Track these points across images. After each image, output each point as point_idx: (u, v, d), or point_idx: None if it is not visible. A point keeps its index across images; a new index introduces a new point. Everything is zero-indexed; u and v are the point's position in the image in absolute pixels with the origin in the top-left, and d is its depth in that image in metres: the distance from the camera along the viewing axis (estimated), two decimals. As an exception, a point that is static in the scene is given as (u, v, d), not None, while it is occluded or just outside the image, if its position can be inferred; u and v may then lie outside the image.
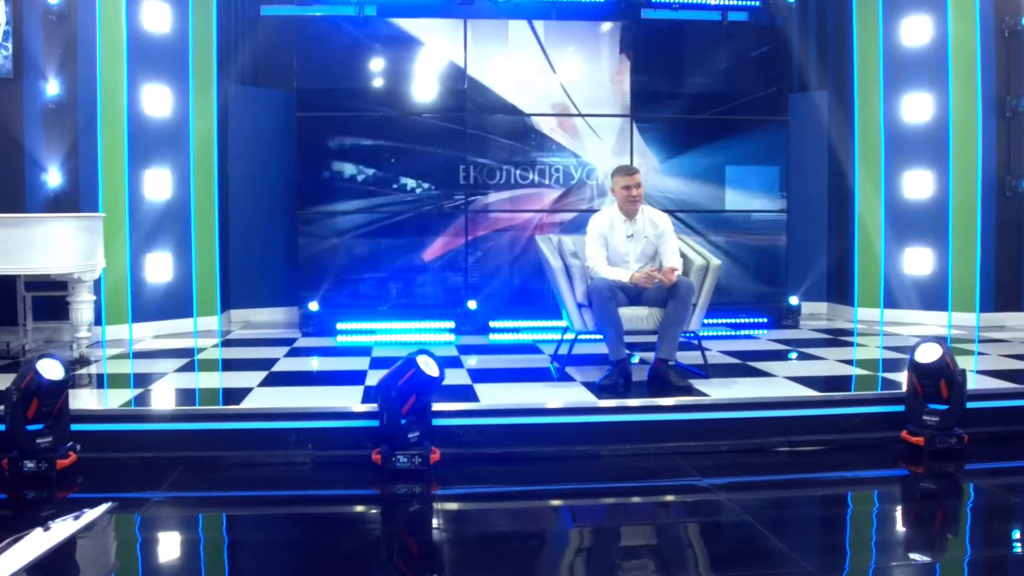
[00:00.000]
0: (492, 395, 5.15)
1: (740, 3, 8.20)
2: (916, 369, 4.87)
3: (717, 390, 5.22)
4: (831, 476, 4.64)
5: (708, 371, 5.60)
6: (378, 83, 7.91)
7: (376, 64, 7.89)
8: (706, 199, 8.21)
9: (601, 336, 5.42)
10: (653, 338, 5.50)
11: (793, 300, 8.17)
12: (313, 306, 7.67)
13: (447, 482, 4.47)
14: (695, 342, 5.90)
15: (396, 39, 7.91)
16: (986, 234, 7.84)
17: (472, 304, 7.79)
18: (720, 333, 7.78)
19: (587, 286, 5.39)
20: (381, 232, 7.93)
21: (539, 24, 8.02)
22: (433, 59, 7.94)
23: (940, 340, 4.92)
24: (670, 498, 4.37)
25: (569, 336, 5.93)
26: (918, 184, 8.10)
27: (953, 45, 7.83)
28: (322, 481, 4.51)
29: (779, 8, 8.22)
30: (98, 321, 7.08)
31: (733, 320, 8.09)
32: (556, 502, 4.38)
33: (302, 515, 4.16)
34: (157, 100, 7.42)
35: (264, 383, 5.54)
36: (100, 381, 5.75)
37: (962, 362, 5.98)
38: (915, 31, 8.03)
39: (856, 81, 8.39)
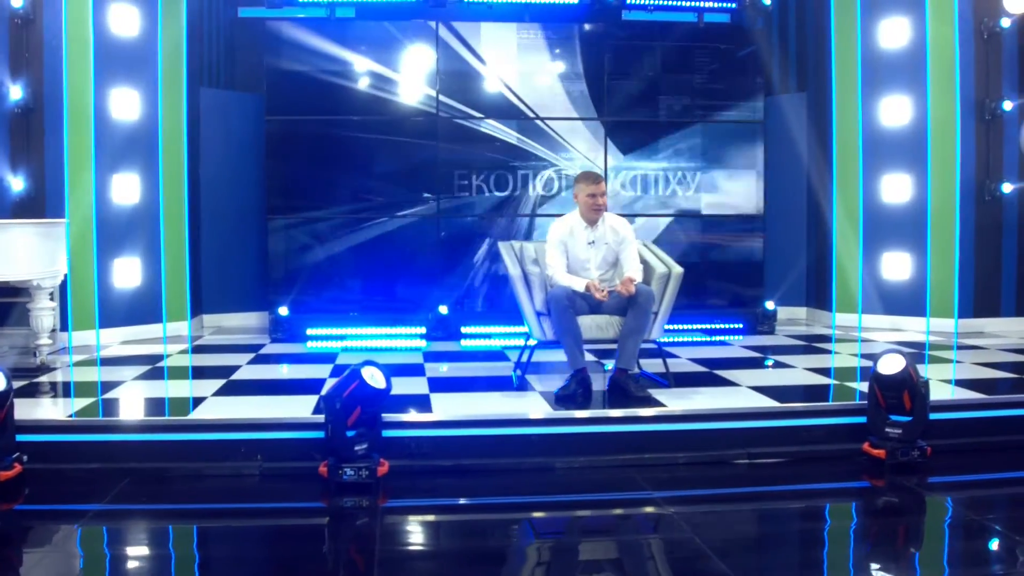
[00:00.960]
0: (448, 405, 5.07)
1: (717, 5, 8.09)
2: (878, 380, 4.79)
3: (677, 400, 5.13)
4: (788, 489, 4.56)
5: (670, 380, 5.51)
6: (349, 87, 7.81)
7: (347, 68, 7.80)
8: (681, 203, 8.13)
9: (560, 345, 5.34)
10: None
11: (769, 305, 8.08)
12: (283, 311, 7.60)
13: (397, 494, 4.40)
14: (657, 348, 5.79)
15: (367, 42, 7.82)
16: (965, 239, 7.74)
17: (443, 309, 7.71)
18: (694, 339, 7.69)
19: (546, 294, 5.30)
20: (352, 237, 7.85)
21: (512, 26, 7.94)
22: (405, 63, 7.86)
23: (903, 351, 4.83)
24: (618, 512, 4.30)
25: (532, 343, 5.85)
26: (896, 188, 8.00)
27: (932, 47, 7.73)
28: (270, 494, 4.44)
29: (756, 10, 8.11)
30: (65, 327, 7.05)
31: (708, 326, 8.00)
32: (507, 515, 4.30)
33: (245, 528, 4.11)
34: (125, 104, 7.35)
35: (220, 392, 5.47)
36: (59, 389, 5.67)
37: (938, 371, 5.98)
38: (894, 33, 7.93)
39: (834, 83, 8.29)
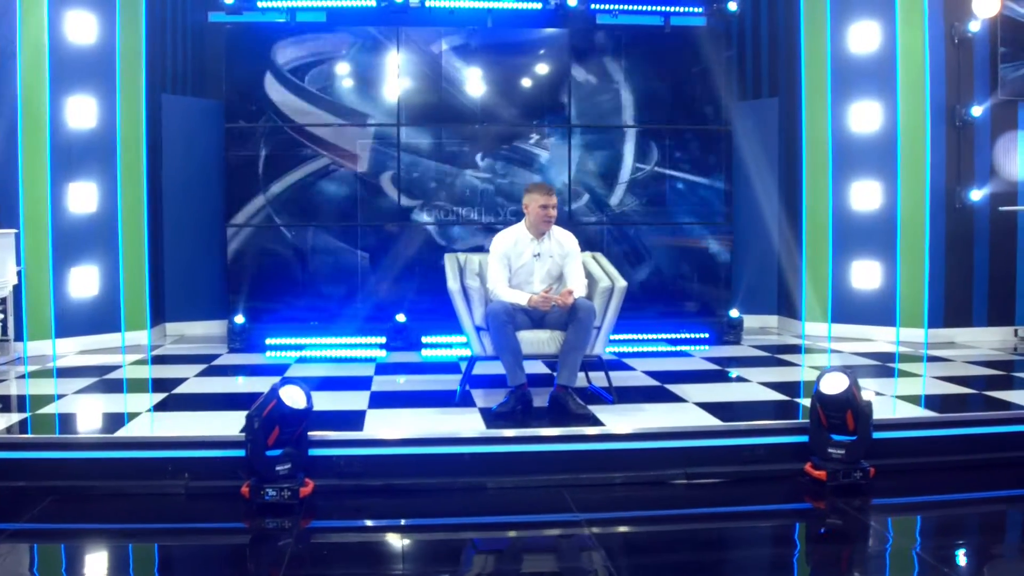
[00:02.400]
0: (382, 422, 4.98)
1: (684, 10, 7.96)
2: (821, 400, 4.67)
3: (619, 417, 5.02)
4: (723, 511, 4.43)
5: (614, 396, 5.41)
6: (308, 92, 7.73)
7: (305, 73, 7.72)
8: (647, 210, 8.02)
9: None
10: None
11: (733, 313, 7.95)
12: (239, 319, 7.51)
13: (324, 515, 4.32)
14: (600, 363, 5.69)
15: (326, 48, 7.75)
16: (935, 247, 7.61)
17: (401, 317, 7.62)
18: (658, 349, 7.57)
19: (485, 308, 5.20)
20: (313, 245, 7.78)
21: (474, 32, 7.83)
22: (366, 68, 7.79)
23: (846, 370, 4.71)
24: (537, 534, 4.20)
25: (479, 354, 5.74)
26: (866, 195, 7.88)
27: (901, 52, 7.61)
28: (193, 513, 4.35)
29: (724, 15, 7.98)
30: (20, 337, 6.99)
31: (674, 335, 7.88)
32: (428, 537, 4.19)
33: (164, 549, 4.03)
34: (82, 111, 7.28)
35: (159, 406, 5.39)
36: (-2, 402, 5.61)
37: (894, 385, 5.88)
38: (863, 37, 7.80)
39: (804, 88, 8.16)
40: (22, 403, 5.56)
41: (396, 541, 4.16)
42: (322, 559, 3.94)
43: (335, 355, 7.33)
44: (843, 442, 4.60)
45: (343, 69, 7.77)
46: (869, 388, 5.87)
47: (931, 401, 5.57)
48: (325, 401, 5.47)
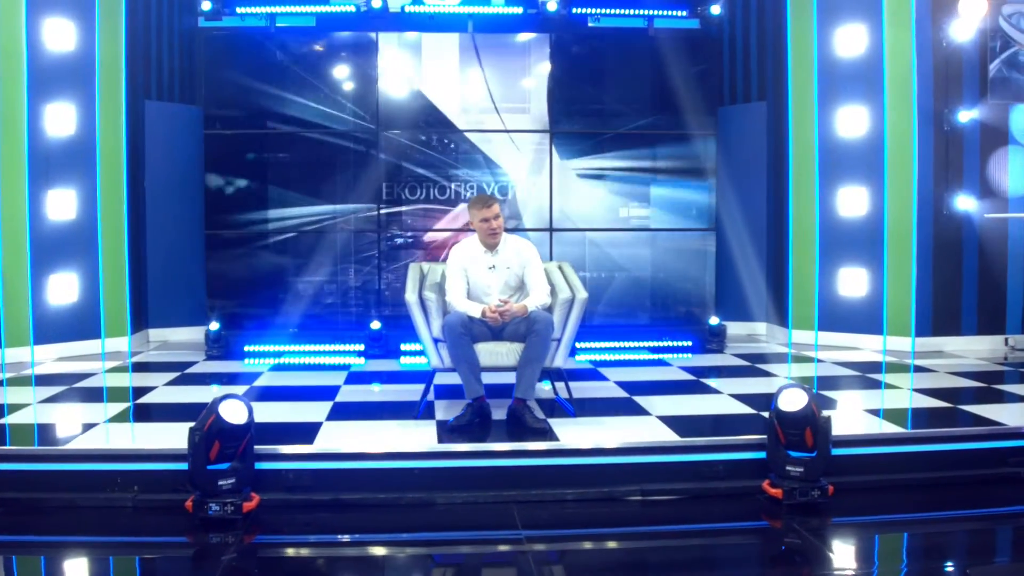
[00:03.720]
0: (337, 434, 4.93)
1: (667, 13, 7.86)
2: (779, 416, 4.57)
3: (575, 431, 4.94)
4: (676, 529, 4.35)
5: (575, 408, 5.33)
6: (287, 99, 7.71)
7: (285, 79, 7.70)
8: (632, 215, 7.92)
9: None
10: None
11: (713, 321, 7.83)
12: (213, 326, 7.50)
13: (270, 529, 4.27)
14: (560, 375, 5.61)
15: (306, 54, 7.74)
16: (922, 254, 7.46)
17: (375, 325, 7.57)
18: (639, 357, 7.46)
19: (441, 321, 5.14)
20: (291, 252, 7.76)
21: (454, 36, 7.78)
22: (344, 74, 7.76)
23: (804, 386, 4.60)
24: (476, 551, 4.13)
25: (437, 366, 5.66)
26: (853, 201, 7.73)
27: (889, 55, 7.46)
28: (139, 528, 4.32)
29: (708, 18, 7.87)
30: (-4, 344, 7.01)
31: (656, 343, 7.78)
32: (368, 553, 4.15)
33: (101, 563, 3.99)
34: (61, 119, 7.28)
35: (116, 418, 5.36)
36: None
37: (878, 398, 5.75)
38: (850, 40, 7.65)
39: (790, 93, 8.02)
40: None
41: (337, 557, 4.11)
42: (264, 574, 3.90)
43: (311, 362, 7.29)
44: (802, 459, 4.50)
45: (322, 74, 7.74)
46: (846, 400, 5.78)
47: (904, 415, 5.46)
48: (284, 412, 5.46)
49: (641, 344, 7.76)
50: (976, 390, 6.09)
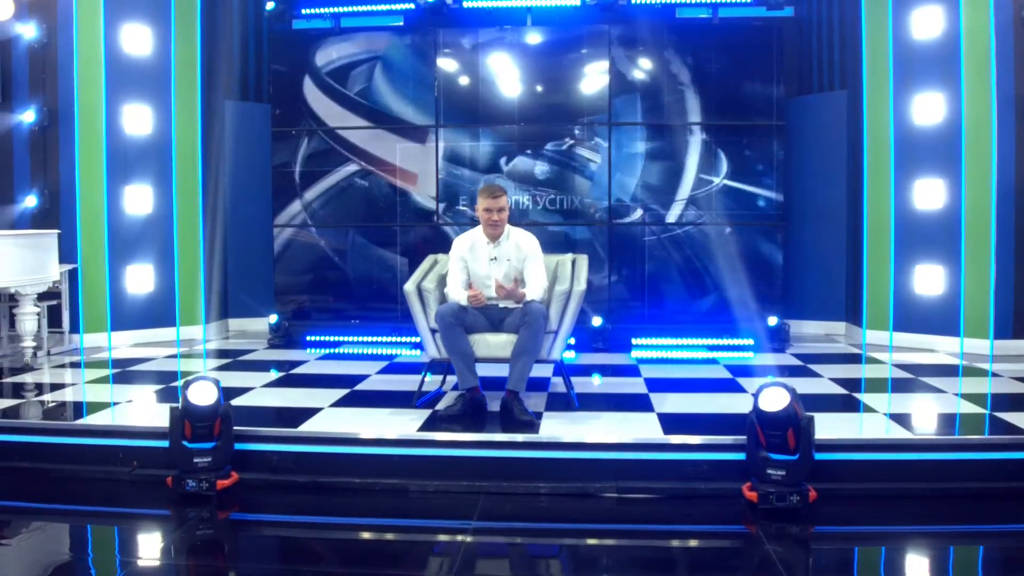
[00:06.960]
0: (330, 420, 5.03)
1: (735, 1, 7.56)
2: (759, 416, 4.33)
3: (563, 426, 4.85)
4: (647, 528, 4.20)
5: (583, 403, 5.25)
6: (347, 97, 7.91)
7: (346, 77, 7.91)
8: (696, 212, 7.68)
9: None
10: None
11: (771, 321, 7.46)
12: (272, 318, 7.79)
13: (247, 508, 4.44)
14: (558, 368, 5.52)
15: (366, 52, 7.90)
16: (1002, 250, 6.88)
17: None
18: (692, 355, 7.22)
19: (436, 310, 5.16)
20: (352, 246, 7.96)
21: (516, 31, 7.78)
22: (404, 71, 7.89)
23: (786, 384, 4.34)
24: (425, 539, 4.13)
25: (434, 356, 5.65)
26: (929, 193, 7.22)
27: (966, 38, 6.91)
28: (130, 499, 4.55)
29: (779, 6, 7.51)
30: (76, 329, 7.54)
31: (715, 341, 7.50)
32: (331, 536, 4.23)
33: (81, 529, 4.25)
34: (138, 118, 7.75)
35: (141, 399, 5.67)
36: (6, 390, 5.97)
37: (926, 401, 5.42)
38: (926, 22, 7.15)
39: (865, 80, 7.56)
40: (30, 390, 5.98)
41: (305, 538, 4.21)
42: (233, 548, 4.06)
43: (360, 352, 7.46)
44: (784, 462, 4.26)
45: (381, 72, 7.90)
46: (872, 401, 5.41)
47: (925, 420, 5.06)
48: (296, 397, 5.63)
49: (700, 341, 7.51)
50: (1035, 398, 5.57)
